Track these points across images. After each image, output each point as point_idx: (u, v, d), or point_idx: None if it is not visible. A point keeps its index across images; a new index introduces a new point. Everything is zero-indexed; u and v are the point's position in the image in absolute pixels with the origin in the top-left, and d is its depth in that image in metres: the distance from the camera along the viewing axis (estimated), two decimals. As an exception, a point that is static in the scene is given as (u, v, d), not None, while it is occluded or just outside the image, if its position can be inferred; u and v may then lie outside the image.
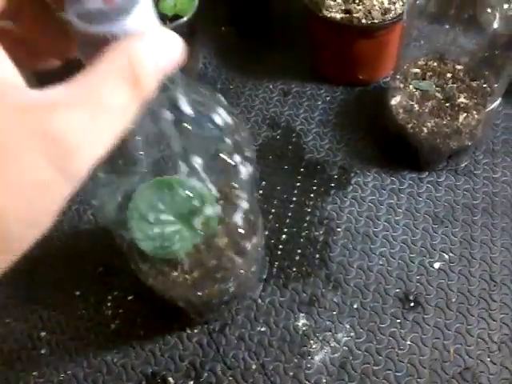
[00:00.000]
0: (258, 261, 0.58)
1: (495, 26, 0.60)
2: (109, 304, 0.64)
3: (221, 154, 0.39)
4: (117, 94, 0.21)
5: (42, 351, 0.61)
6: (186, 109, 0.35)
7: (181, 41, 0.25)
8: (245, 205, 0.45)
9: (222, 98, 0.40)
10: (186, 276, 0.49)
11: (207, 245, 0.47)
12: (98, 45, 0.23)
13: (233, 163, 0.40)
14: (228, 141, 0.40)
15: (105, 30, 0.23)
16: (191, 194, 0.40)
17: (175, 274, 0.49)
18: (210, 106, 0.39)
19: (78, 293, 0.64)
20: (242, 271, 0.54)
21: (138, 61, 0.22)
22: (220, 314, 0.62)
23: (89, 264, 0.66)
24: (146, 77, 0.23)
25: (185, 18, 0.74)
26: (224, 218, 0.45)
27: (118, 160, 0.37)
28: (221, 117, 0.39)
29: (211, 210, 0.41)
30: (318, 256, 0.65)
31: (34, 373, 0.59)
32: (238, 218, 0.46)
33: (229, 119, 0.40)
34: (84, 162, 0.21)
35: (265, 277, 0.64)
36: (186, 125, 0.36)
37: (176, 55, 0.25)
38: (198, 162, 0.37)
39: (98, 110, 0.21)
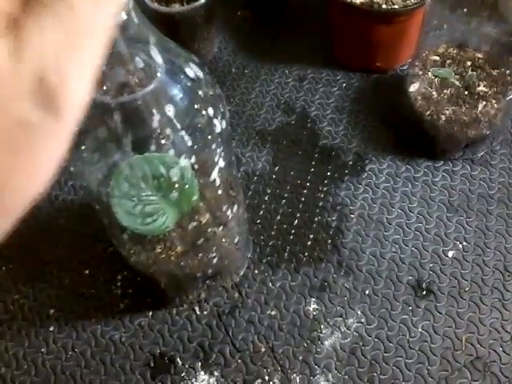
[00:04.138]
0: (241, 234, 0.57)
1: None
2: (118, 284, 0.63)
3: (194, 105, 0.39)
4: (86, 9, 0.19)
5: (51, 329, 0.61)
6: (158, 58, 0.35)
7: None
8: (222, 163, 0.45)
9: (194, 56, 0.40)
10: (170, 252, 0.49)
11: (190, 220, 0.47)
12: None
13: (206, 115, 0.40)
14: (200, 93, 0.40)
15: None
16: (173, 167, 0.40)
17: (158, 250, 0.49)
18: (182, 59, 0.39)
19: (87, 272, 0.64)
20: (224, 241, 0.53)
21: None
22: (230, 297, 0.61)
23: (99, 244, 0.65)
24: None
25: (202, 1, 0.74)
26: (202, 185, 0.45)
27: (101, 137, 0.37)
28: (192, 70, 0.39)
29: (189, 178, 0.41)
30: (330, 242, 0.65)
31: (43, 350, 0.59)
32: (215, 175, 0.45)
33: (201, 73, 0.40)
34: (73, 92, 0.18)
35: (250, 255, 0.64)
36: (158, 74, 0.36)
37: None
38: (171, 110, 0.37)
39: (73, 31, 0.18)
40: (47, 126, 0.18)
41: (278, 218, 0.67)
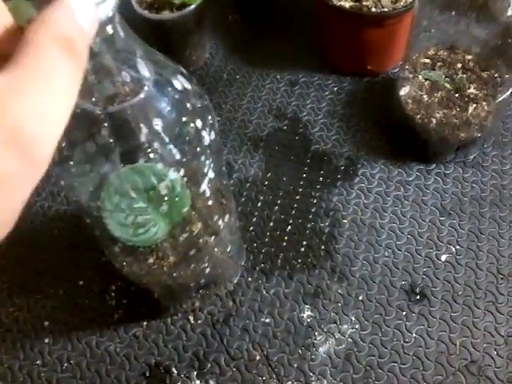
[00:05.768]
0: (233, 242, 0.57)
1: (509, 13, 0.60)
2: (112, 294, 0.63)
3: (182, 118, 0.39)
4: (61, 68, 0.21)
5: (46, 340, 0.61)
6: (145, 71, 0.35)
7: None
8: (211, 174, 0.44)
9: (182, 68, 0.40)
10: (162, 262, 0.49)
11: (181, 230, 0.47)
12: None
13: (194, 128, 0.40)
14: (188, 105, 0.39)
15: None
16: (163, 180, 0.40)
17: (151, 260, 0.49)
18: (169, 72, 0.39)
19: (81, 282, 0.64)
20: (216, 250, 0.53)
21: (67, 31, 0.21)
22: (224, 305, 0.61)
23: (93, 254, 0.65)
24: (80, 44, 0.22)
25: (192, 6, 0.74)
26: (193, 195, 0.44)
27: (90, 149, 0.37)
28: (180, 82, 0.39)
29: (179, 190, 0.41)
30: (323, 247, 0.65)
31: (38, 362, 0.59)
32: (205, 187, 0.45)
33: (188, 85, 0.40)
34: (47, 146, 0.20)
35: (243, 263, 0.64)
36: (145, 87, 0.35)
37: (94, 16, 0.24)
38: (159, 124, 0.37)
39: (48, 90, 0.20)
40: (21, 172, 0.19)
41: (271, 224, 0.67)
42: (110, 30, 0.30)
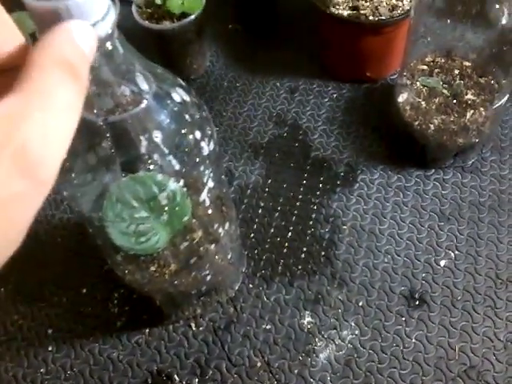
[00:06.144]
0: (234, 250, 0.58)
1: (504, 21, 0.60)
2: (115, 302, 0.64)
3: (182, 129, 0.40)
4: (63, 91, 0.22)
5: (49, 348, 0.61)
6: (144, 85, 0.36)
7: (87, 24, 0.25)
8: (211, 183, 0.45)
9: (180, 80, 0.41)
10: (164, 270, 0.50)
11: (182, 238, 0.48)
12: (54, 21, 0.24)
13: (193, 139, 0.41)
14: (187, 117, 0.40)
15: (55, 4, 0.24)
16: (163, 190, 0.40)
17: (152, 268, 0.50)
18: (168, 84, 0.39)
19: (84, 290, 0.65)
20: (217, 258, 0.54)
21: (71, 55, 0.23)
22: (225, 312, 0.62)
23: (95, 262, 0.66)
24: (81, 68, 0.23)
25: (192, 16, 0.75)
26: (193, 204, 0.45)
27: (91, 159, 0.37)
28: (179, 94, 0.39)
29: (180, 199, 0.42)
30: (323, 254, 0.65)
31: (42, 370, 0.60)
32: (205, 196, 0.46)
33: (187, 97, 0.40)
34: (52, 167, 0.21)
35: (244, 270, 0.65)
36: (144, 100, 0.36)
37: (93, 40, 0.25)
38: (158, 136, 0.38)
39: (52, 113, 0.21)
40: (28, 192, 0.20)
41: (272, 231, 0.68)
42: (109, 46, 0.31)
